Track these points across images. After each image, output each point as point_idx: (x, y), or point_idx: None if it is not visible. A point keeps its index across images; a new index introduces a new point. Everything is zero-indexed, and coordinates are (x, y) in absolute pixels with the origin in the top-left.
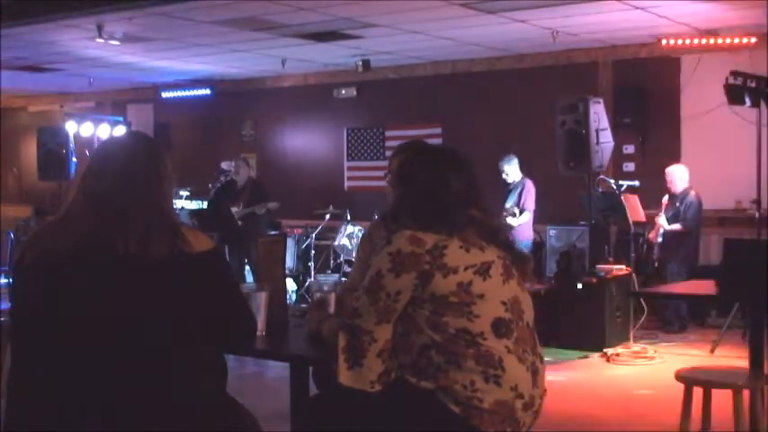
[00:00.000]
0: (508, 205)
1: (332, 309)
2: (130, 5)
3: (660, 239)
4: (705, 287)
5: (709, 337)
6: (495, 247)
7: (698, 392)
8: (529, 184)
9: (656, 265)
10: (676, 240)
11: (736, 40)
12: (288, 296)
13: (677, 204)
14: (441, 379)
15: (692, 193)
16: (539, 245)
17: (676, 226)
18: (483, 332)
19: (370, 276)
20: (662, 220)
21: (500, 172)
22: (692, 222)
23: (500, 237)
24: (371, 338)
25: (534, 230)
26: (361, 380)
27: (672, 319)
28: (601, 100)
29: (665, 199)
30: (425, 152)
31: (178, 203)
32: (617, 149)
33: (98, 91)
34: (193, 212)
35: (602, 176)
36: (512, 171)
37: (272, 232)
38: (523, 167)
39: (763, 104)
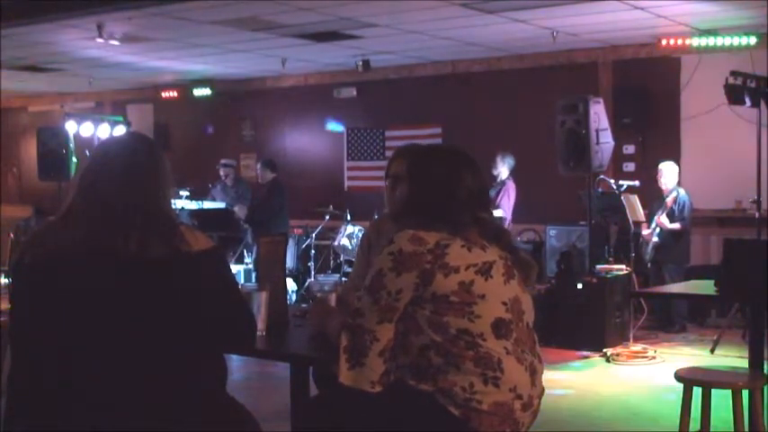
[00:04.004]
0: None
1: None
2: (130, 5)
3: (656, 239)
4: (705, 287)
5: (710, 337)
6: (497, 248)
7: (698, 392)
8: (510, 185)
9: (649, 266)
10: (674, 240)
11: (736, 40)
12: (288, 296)
13: (669, 205)
14: (440, 381)
15: (682, 191)
16: (539, 245)
17: (675, 225)
18: (483, 333)
19: (371, 275)
20: (663, 219)
21: (493, 163)
22: (689, 221)
23: (504, 238)
24: (373, 338)
25: (533, 230)
26: (362, 379)
27: (672, 319)
28: (601, 100)
29: (669, 198)
30: (439, 150)
31: (178, 203)
32: (617, 149)
33: (98, 91)
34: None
35: (602, 176)
36: (503, 169)
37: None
38: (519, 169)
39: (763, 104)
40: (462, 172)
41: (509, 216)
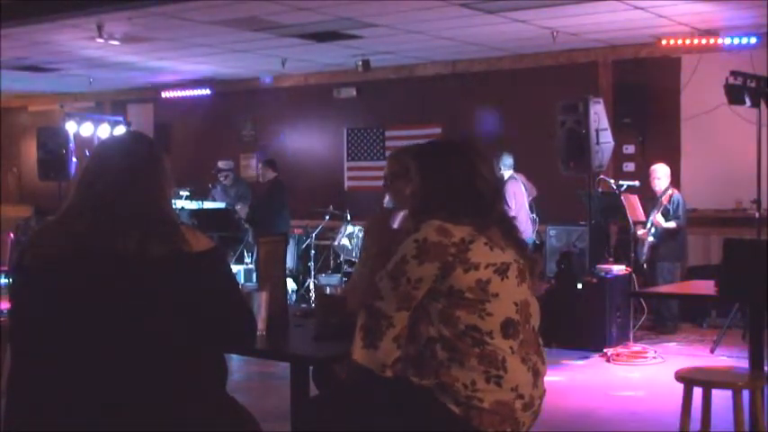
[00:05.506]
0: None
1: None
2: (130, 5)
3: (652, 238)
4: (705, 287)
5: (710, 337)
6: (512, 249)
7: (698, 392)
8: (511, 185)
9: (645, 266)
10: (670, 238)
11: (736, 40)
12: (288, 296)
13: (664, 203)
14: (442, 375)
15: (675, 191)
16: (539, 245)
17: (671, 224)
18: (492, 331)
19: (394, 261)
20: (659, 218)
21: (498, 167)
22: (683, 219)
23: (517, 238)
24: (390, 323)
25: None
26: (375, 361)
27: (669, 319)
28: (601, 100)
29: (665, 197)
30: (452, 144)
31: (178, 203)
32: (617, 149)
33: (98, 91)
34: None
35: (602, 176)
36: (505, 171)
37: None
38: (519, 169)
39: (763, 104)
40: (477, 164)
41: (519, 214)
